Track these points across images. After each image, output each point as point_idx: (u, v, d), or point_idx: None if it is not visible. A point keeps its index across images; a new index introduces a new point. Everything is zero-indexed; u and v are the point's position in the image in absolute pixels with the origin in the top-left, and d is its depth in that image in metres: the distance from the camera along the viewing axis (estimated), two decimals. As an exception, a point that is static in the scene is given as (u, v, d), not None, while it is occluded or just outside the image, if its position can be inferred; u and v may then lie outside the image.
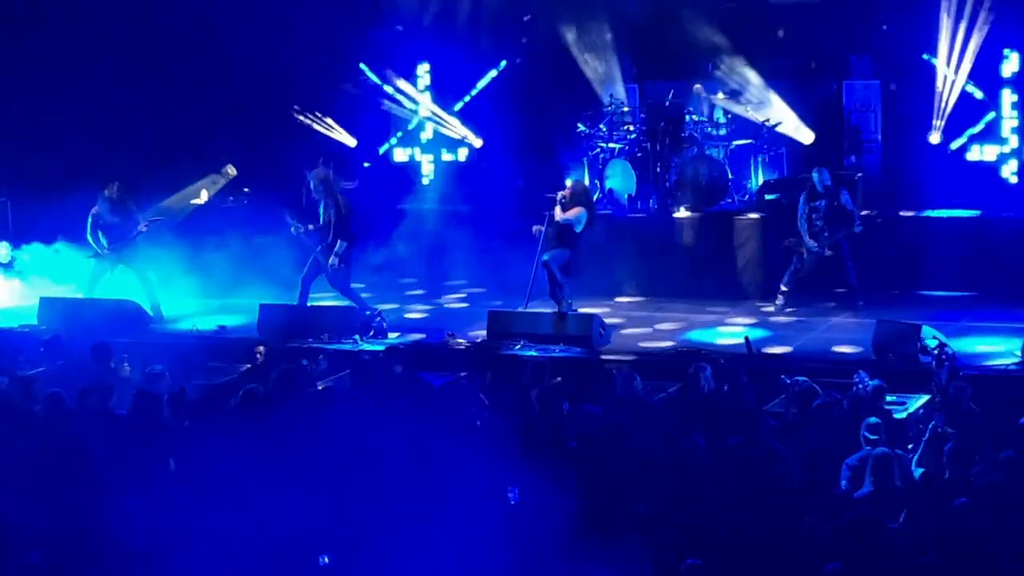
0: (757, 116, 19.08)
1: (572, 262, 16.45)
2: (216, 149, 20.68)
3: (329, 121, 20.98)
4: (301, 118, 20.88)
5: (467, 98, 21.21)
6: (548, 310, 16.43)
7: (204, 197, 20.79)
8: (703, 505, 9.59)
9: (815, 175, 17.12)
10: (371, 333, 16.14)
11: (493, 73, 20.95)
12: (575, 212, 16.27)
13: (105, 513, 9.61)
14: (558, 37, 20.14)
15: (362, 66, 21.25)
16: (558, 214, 16.31)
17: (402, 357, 14.27)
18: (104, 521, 9.52)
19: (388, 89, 21.34)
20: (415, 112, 21.40)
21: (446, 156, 21.47)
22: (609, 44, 19.99)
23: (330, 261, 16.73)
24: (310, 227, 16.84)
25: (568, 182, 16.92)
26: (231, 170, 20.41)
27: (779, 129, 19.04)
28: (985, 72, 18.72)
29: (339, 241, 16.70)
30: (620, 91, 19.84)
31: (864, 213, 16.97)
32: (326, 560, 8.81)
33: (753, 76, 19.28)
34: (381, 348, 15.46)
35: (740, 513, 9.35)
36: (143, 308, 17.55)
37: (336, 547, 9.10)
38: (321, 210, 16.84)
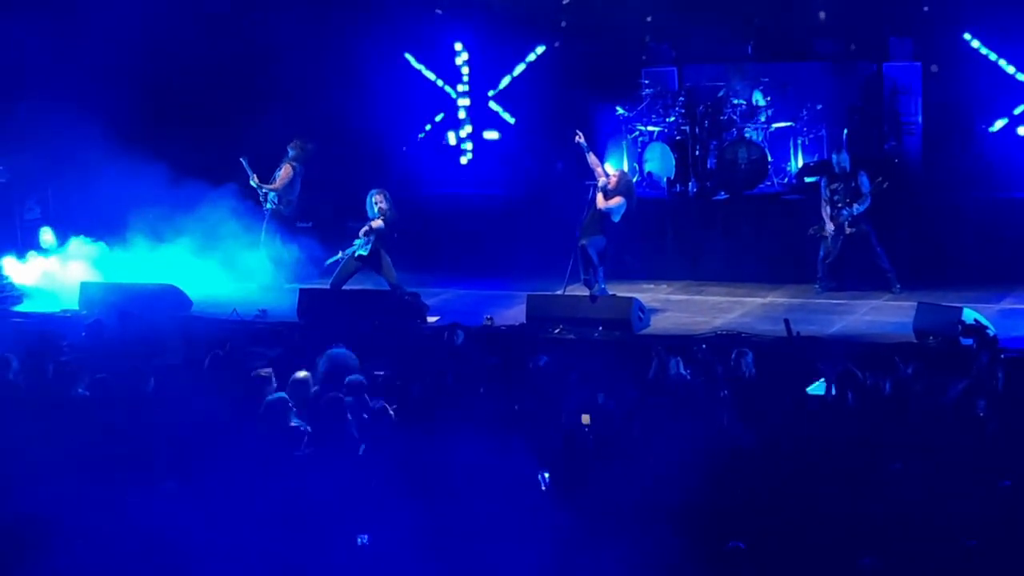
0: None
1: (606, 249, 16.53)
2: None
3: None
4: None
5: (506, 80, 21.18)
6: (586, 294, 16.44)
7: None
8: (742, 490, 9.55)
9: (833, 157, 17.20)
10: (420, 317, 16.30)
11: (532, 56, 20.91)
12: (616, 202, 16.34)
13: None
14: (597, 19, 20.09)
15: (407, 56, 21.26)
16: (600, 202, 16.33)
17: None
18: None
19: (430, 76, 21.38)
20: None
21: (487, 135, 21.36)
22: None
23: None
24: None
25: (612, 169, 16.91)
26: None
27: None
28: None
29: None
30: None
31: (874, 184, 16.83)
32: (364, 540, 8.81)
33: None
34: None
35: (780, 498, 9.31)
36: (183, 292, 17.67)
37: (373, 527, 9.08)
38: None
